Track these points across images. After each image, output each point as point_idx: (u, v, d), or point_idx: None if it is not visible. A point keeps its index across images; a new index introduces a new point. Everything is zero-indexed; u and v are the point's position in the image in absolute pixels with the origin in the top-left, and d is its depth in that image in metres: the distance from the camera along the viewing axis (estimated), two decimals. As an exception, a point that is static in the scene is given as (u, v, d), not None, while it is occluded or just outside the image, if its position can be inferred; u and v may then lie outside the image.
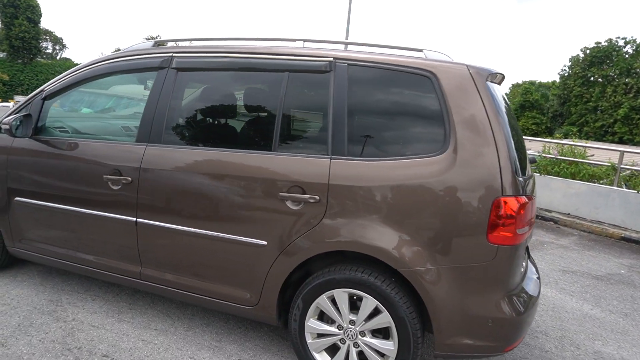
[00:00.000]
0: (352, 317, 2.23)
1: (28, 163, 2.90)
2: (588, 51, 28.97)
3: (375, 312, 2.17)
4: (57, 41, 56.33)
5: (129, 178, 2.56)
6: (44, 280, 3.24)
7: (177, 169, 2.47)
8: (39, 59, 36.21)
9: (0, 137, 3.00)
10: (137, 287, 2.74)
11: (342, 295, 2.22)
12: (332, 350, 2.32)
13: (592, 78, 27.19)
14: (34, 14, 33.33)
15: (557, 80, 35.22)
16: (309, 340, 2.32)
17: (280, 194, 2.24)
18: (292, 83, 2.37)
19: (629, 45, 28.29)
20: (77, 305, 2.92)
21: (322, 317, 2.32)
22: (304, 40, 2.54)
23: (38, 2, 33.65)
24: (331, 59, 2.32)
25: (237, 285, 2.44)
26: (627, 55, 27.51)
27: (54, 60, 43.12)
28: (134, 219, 2.59)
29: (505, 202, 1.99)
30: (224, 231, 2.39)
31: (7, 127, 2.78)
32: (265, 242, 2.31)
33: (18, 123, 2.84)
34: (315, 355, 2.32)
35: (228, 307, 2.50)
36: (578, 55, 29.65)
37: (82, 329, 2.64)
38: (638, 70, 26.20)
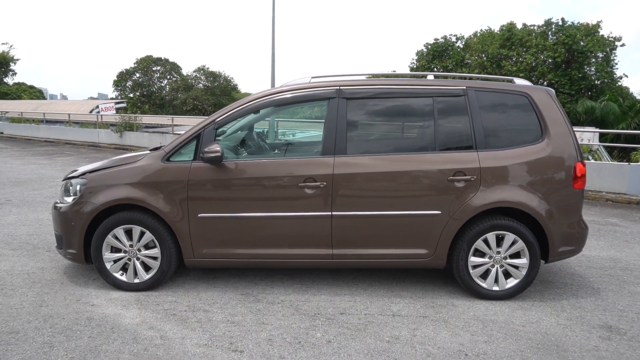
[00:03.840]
0: (498, 249, 3.55)
1: (224, 182, 3.53)
2: (429, 46, 34.23)
3: (513, 243, 3.52)
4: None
5: (324, 182, 3.45)
6: (219, 282, 3.82)
7: (364, 171, 3.46)
8: None
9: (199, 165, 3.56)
10: (327, 266, 3.63)
11: (492, 236, 3.51)
12: (484, 274, 3.60)
13: (435, 69, 32.53)
14: None
15: (408, 72, 40.81)
16: (471, 271, 3.56)
17: (449, 178, 3.44)
18: (440, 102, 3.57)
19: (459, 41, 34.30)
20: (267, 293, 3.65)
21: (475, 254, 3.58)
22: (435, 75, 3.75)
23: None
24: (464, 87, 3.59)
25: (416, 245, 3.55)
26: (459, 49, 33.40)
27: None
28: (330, 213, 3.48)
29: (580, 165, 3.52)
30: (405, 209, 3.48)
31: (218, 154, 3.39)
32: (439, 212, 3.47)
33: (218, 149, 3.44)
34: (477, 279, 3.58)
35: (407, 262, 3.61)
36: (422, 50, 34.79)
37: (298, 304, 3.44)
38: (468, 61, 32.17)
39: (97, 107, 35.31)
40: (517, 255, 3.56)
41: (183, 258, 3.63)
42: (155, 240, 3.59)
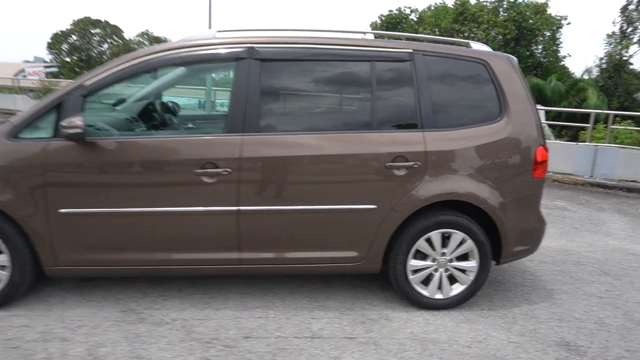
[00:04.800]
0: (442, 250, 2.93)
1: (96, 167, 2.64)
2: (383, 18, 33.45)
3: (461, 243, 2.92)
4: None
5: (228, 169, 2.65)
6: (92, 296, 2.97)
7: (282, 155, 2.69)
8: None
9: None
10: (234, 273, 2.87)
11: (437, 235, 2.89)
12: (426, 280, 2.99)
13: (388, 42, 32.10)
14: None
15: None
16: (410, 276, 2.93)
17: (387, 164, 2.74)
18: (380, 69, 2.82)
19: (414, 14, 33.74)
20: (157, 308, 2.86)
21: (416, 256, 2.96)
22: (364, 32, 2.99)
23: None
24: (410, 50, 2.85)
25: (344, 246, 2.86)
26: (413, 22, 32.90)
27: None
28: (236, 208, 2.71)
29: (542, 150, 2.93)
30: (331, 203, 2.77)
31: (79, 129, 2.47)
32: (374, 206, 2.78)
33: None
34: (417, 287, 2.96)
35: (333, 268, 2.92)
36: (376, 21, 33.98)
37: (193, 324, 2.69)
38: (422, 33, 31.87)
39: (23, 70, 32.05)
40: (465, 257, 2.96)
41: (42, 266, 2.76)
42: (3, 245, 2.68)
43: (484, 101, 2.97)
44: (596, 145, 7.74)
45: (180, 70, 3.08)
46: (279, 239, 2.81)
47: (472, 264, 2.95)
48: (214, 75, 7.22)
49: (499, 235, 2.93)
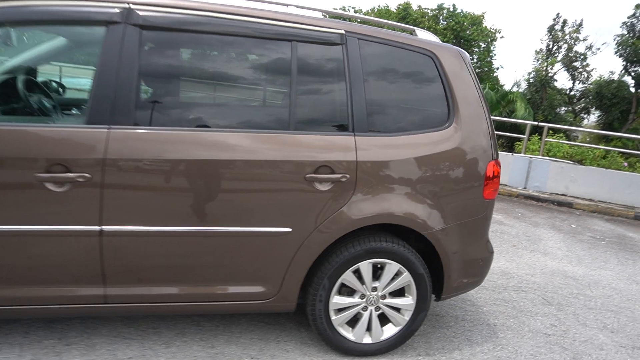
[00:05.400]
0: (374, 284, 2.36)
1: None
2: (326, 16, 33.24)
3: (396, 275, 2.36)
4: None
5: (86, 174, 1.88)
6: None
7: (162, 157, 1.97)
8: None
9: None
10: (97, 314, 2.10)
11: (367, 266, 2.30)
12: (353, 320, 2.40)
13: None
14: None
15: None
16: (333, 317, 2.33)
17: (307, 175, 2.10)
18: (302, 54, 2.18)
19: (357, 14, 33.87)
20: (-21, 363, 2.02)
21: (341, 291, 2.36)
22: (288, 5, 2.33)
23: None
24: (342, 31, 2.23)
25: (249, 280, 2.19)
26: (357, 22, 33.05)
27: None
28: (98, 227, 1.94)
29: (494, 165, 2.44)
30: (230, 224, 2.08)
31: None
32: (289, 229, 2.14)
33: None
34: (341, 329, 2.36)
35: (236, 306, 2.23)
36: (320, 19, 33.85)
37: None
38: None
39: None
40: (400, 292, 2.42)
41: None
42: None
43: (430, 102, 2.44)
44: (530, 157, 7.69)
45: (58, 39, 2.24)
46: (158, 270, 2.08)
47: (408, 301, 2.40)
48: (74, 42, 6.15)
49: (441, 266, 2.41)
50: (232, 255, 2.12)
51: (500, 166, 2.49)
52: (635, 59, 23.60)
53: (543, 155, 7.97)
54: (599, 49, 32.15)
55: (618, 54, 23.57)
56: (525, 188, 7.65)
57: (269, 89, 2.30)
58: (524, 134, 8.33)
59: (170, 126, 2.02)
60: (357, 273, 2.31)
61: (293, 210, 2.12)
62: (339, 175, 2.13)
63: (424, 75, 2.43)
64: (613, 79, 25.49)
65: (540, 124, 7.79)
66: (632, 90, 24.34)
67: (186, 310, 2.21)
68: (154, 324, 2.49)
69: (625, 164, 8.47)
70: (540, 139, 8.33)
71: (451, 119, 2.37)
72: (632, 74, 24.06)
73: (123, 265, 2.03)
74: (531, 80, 27.12)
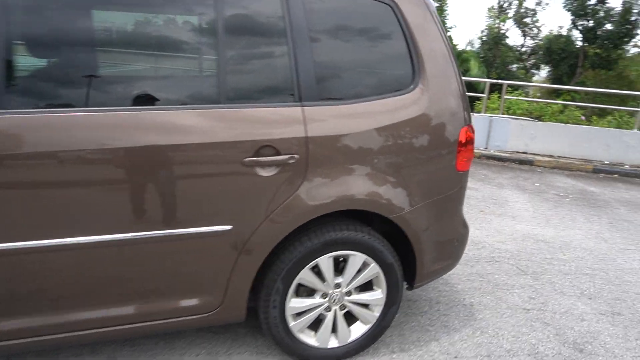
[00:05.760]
0: (337, 280, 2.01)
1: None
2: None
3: (362, 267, 2.02)
4: None
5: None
6: None
7: (55, 150, 1.49)
8: None
9: None
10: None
11: (327, 261, 1.94)
12: (316, 322, 2.06)
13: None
14: None
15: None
16: (291, 323, 1.97)
17: (245, 159, 1.68)
18: (230, 9, 1.70)
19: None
20: None
21: (298, 292, 2.00)
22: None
23: None
24: (278, -30, 1.77)
25: (185, 292, 1.78)
26: None
27: None
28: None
29: (467, 131, 2.10)
30: (164, 227, 1.65)
31: None
32: (229, 227, 1.73)
33: None
34: (301, 336, 2.01)
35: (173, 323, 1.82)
36: None
37: None
38: None
39: None
40: (368, 285, 2.09)
41: None
42: None
43: (391, 62, 2.04)
44: (491, 117, 7.52)
45: None
46: (67, 292, 1.64)
47: (377, 295, 2.08)
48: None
49: (413, 251, 2.08)
50: (159, 265, 1.70)
51: (474, 132, 2.16)
52: (582, 12, 24.01)
53: (503, 114, 7.84)
54: (547, 3, 32.55)
55: (566, 8, 23.88)
56: (486, 148, 7.52)
57: (190, 55, 1.82)
58: (481, 93, 8.14)
59: (58, 106, 1.53)
60: (317, 270, 1.95)
61: (231, 204, 1.71)
62: (286, 157, 1.72)
63: (382, 29, 2.01)
64: (561, 34, 25.96)
65: (499, 81, 7.58)
66: (580, 44, 24.88)
67: (109, 336, 1.78)
68: (76, 350, 2.05)
69: (583, 117, 8.51)
70: (499, 97, 8.18)
71: (416, 80, 1.99)
72: (580, 28, 24.53)
73: (19, 290, 1.57)
74: (484, 38, 27.20)
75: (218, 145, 1.65)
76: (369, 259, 1.99)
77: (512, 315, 2.63)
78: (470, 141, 2.11)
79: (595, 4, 23.73)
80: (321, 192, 1.81)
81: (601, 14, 23.87)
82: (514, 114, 7.98)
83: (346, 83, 1.92)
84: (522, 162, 7.14)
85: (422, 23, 2.03)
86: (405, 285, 2.23)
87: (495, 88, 8.67)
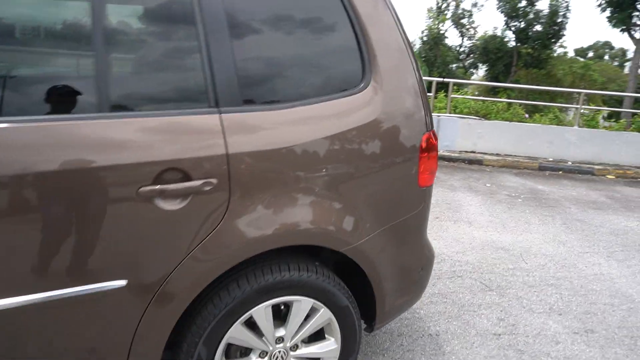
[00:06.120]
0: (278, 333, 1.58)
1: None
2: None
3: (311, 313, 1.60)
4: None
5: None
6: None
7: None
8: None
9: None
10: None
11: (263, 311, 1.50)
12: (253, 388, 1.61)
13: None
14: None
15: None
16: (220, 395, 1.51)
17: (141, 187, 1.21)
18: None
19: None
20: None
21: (228, 354, 1.54)
22: None
23: None
24: None
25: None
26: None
27: None
28: None
29: (429, 137, 1.74)
30: (34, 290, 1.14)
31: None
32: (123, 281, 1.25)
33: None
34: (233, 409, 1.56)
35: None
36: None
37: None
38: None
39: None
40: (319, 334, 1.67)
41: None
42: None
43: (336, 55, 1.63)
44: (438, 116, 7.38)
45: None
46: None
47: (330, 346, 1.67)
48: None
49: (372, 288, 1.69)
50: (33, 336, 1.19)
51: (437, 139, 1.80)
52: (514, 14, 25.14)
53: (450, 113, 7.74)
54: (482, 5, 33.98)
55: (500, 9, 24.90)
56: (435, 149, 7.37)
57: (60, 52, 1.31)
58: (428, 92, 8.02)
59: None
60: (250, 324, 1.50)
61: (123, 251, 1.23)
62: (199, 182, 1.27)
63: (323, 17, 1.60)
64: (496, 34, 27.06)
65: (445, 79, 7.48)
66: (513, 44, 26.05)
67: None
68: None
69: (526, 115, 8.63)
70: (446, 95, 8.09)
71: (367, 77, 1.60)
72: (512, 28, 25.68)
73: None
74: (425, 38, 27.82)
75: (100, 171, 1.16)
76: (318, 303, 1.57)
77: (483, 343, 2.31)
78: (433, 148, 1.75)
79: (526, 6, 24.94)
80: (251, 227, 1.37)
81: (531, 15, 25.13)
82: (460, 112, 7.93)
83: (279, 83, 1.49)
84: (471, 162, 7.05)
85: (373, 11, 1.64)
86: (363, 326, 1.84)
87: (440, 87, 8.61)
